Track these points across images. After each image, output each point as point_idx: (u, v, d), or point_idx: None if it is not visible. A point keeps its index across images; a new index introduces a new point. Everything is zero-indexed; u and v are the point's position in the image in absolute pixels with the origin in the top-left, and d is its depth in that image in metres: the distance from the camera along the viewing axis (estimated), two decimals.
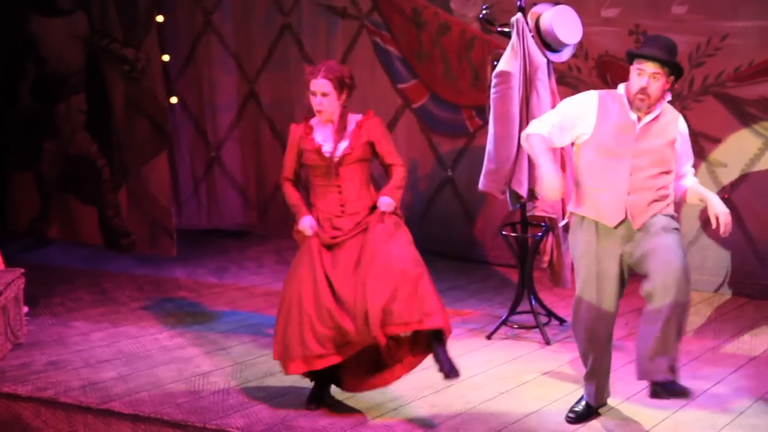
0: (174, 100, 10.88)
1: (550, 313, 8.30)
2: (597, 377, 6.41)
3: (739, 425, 6.36)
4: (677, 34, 9.29)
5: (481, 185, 7.97)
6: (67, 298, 8.89)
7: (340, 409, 6.48)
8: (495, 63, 7.95)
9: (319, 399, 6.52)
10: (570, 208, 6.30)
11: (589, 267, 6.17)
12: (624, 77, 9.61)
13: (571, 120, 6.19)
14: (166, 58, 10.19)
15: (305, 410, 6.44)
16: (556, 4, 7.90)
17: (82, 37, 9.98)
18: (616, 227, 6.06)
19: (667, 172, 6.11)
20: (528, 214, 8.10)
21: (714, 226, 6.08)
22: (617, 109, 6.13)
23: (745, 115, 9.27)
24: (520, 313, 8.17)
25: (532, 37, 7.75)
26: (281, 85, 11.22)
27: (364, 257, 6.22)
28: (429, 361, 7.40)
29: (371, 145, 6.44)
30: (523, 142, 6.33)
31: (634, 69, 6.11)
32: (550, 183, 5.99)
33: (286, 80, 11.18)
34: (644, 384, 6.89)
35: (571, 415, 6.43)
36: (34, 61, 10.18)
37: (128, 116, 9.83)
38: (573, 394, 6.78)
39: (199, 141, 11.53)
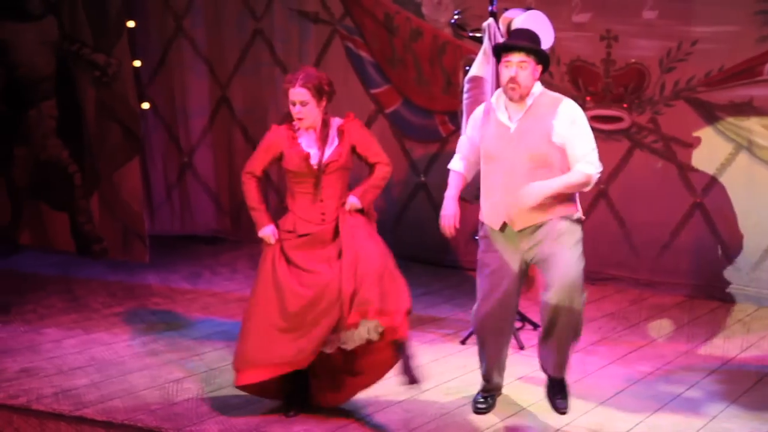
0: (146, 105, 10.83)
1: (523, 318, 8.31)
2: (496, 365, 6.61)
3: (712, 429, 6.38)
4: (648, 40, 9.45)
5: None
6: (39, 305, 8.83)
7: (315, 415, 6.45)
8: (467, 68, 7.97)
9: (294, 405, 6.49)
10: None
11: (490, 266, 6.36)
12: (596, 82, 9.74)
13: (472, 136, 6.49)
14: (137, 63, 10.15)
15: (279, 416, 6.42)
16: (528, 9, 7.92)
17: (52, 43, 9.92)
18: (501, 230, 6.27)
19: (546, 167, 6.17)
20: None
21: None
22: (494, 115, 6.32)
23: (716, 119, 9.32)
24: None
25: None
26: (253, 90, 11.21)
27: (345, 253, 6.19)
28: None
29: (353, 150, 6.39)
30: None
31: (502, 64, 6.24)
32: (443, 215, 6.42)
33: (259, 85, 11.16)
34: (618, 388, 6.95)
35: (480, 407, 6.59)
36: (5, 66, 10.10)
37: (100, 122, 9.79)
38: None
39: (172, 146, 11.50)
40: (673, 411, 6.66)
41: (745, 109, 9.19)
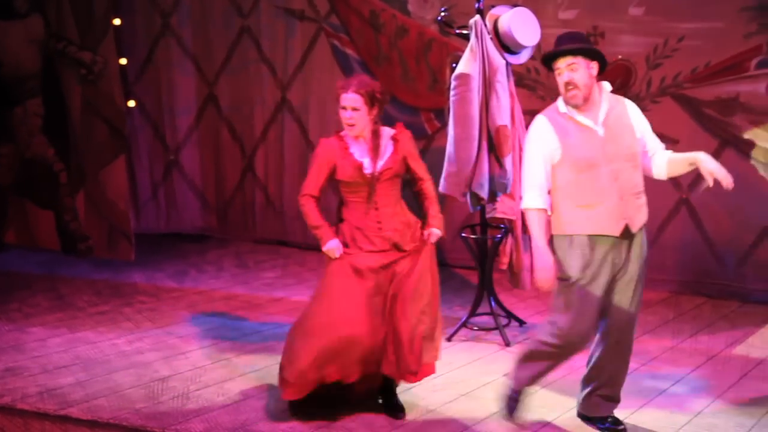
0: (132, 103, 10.82)
1: (509, 315, 8.32)
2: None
3: (697, 425, 6.40)
4: (635, 36, 9.44)
5: (441, 188, 7.96)
6: (24, 304, 8.81)
7: (301, 412, 6.44)
8: (454, 65, 7.94)
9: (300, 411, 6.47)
10: (555, 231, 6.05)
11: (589, 278, 5.97)
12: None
13: (543, 156, 5.97)
14: (123, 61, 10.12)
15: (265, 414, 6.41)
16: (515, 6, 7.92)
17: (38, 40, 9.90)
18: (623, 236, 5.94)
19: (637, 166, 6.05)
20: (488, 216, 8.12)
21: (711, 183, 6.00)
22: (570, 122, 5.98)
23: (702, 116, 9.32)
24: (480, 314, 8.18)
25: (491, 39, 7.75)
26: (240, 87, 11.19)
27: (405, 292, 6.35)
28: None
29: (405, 160, 6.40)
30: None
31: (555, 74, 6.03)
32: (541, 268, 5.92)
33: (246, 83, 11.15)
34: None
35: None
36: None
37: (86, 120, 9.77)
38: (533, 395, 6.79)
39: (158, 144, 11.48)
40: (658, 406, 6.67)
41: (732, 105, 9.19)
